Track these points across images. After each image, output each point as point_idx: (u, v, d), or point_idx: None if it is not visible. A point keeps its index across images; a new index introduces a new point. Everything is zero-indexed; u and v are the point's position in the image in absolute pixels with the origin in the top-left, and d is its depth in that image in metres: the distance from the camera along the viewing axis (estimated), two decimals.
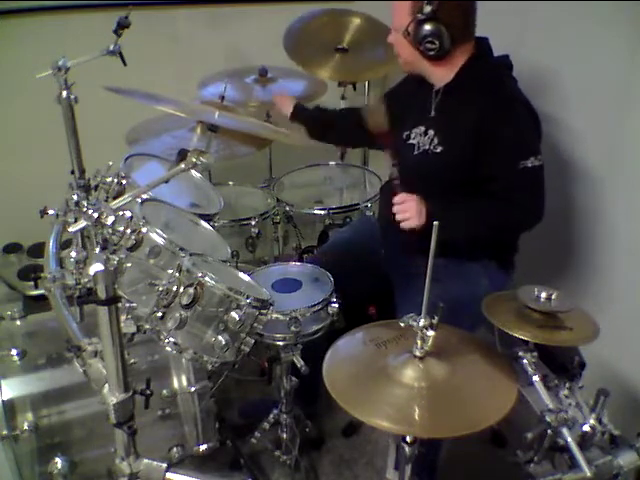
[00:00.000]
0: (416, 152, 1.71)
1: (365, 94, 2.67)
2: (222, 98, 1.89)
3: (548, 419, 1.13)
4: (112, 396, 1.06)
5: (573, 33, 1.89)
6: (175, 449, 1.53)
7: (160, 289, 1.18)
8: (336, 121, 2.10)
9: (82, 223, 1.04)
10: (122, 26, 1.69)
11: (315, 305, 1.53)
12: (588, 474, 1.09)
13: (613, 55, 1.76)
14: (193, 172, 1.76)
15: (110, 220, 1.08)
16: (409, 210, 1.57)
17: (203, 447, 1.57)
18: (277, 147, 2.46)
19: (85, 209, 1.06)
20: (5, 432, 1.33)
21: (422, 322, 1.09)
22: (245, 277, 1.44)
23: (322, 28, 2.38)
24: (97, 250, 1.00)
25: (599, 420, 1.14)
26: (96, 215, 1.05)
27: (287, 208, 2.23)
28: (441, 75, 1.68)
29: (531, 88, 1.72)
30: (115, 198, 1.41)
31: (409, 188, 1.66)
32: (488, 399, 1.09)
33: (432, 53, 1.59)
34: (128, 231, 1.16)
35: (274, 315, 1.47)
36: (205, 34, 2.64)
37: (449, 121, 1.67)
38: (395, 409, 1.03)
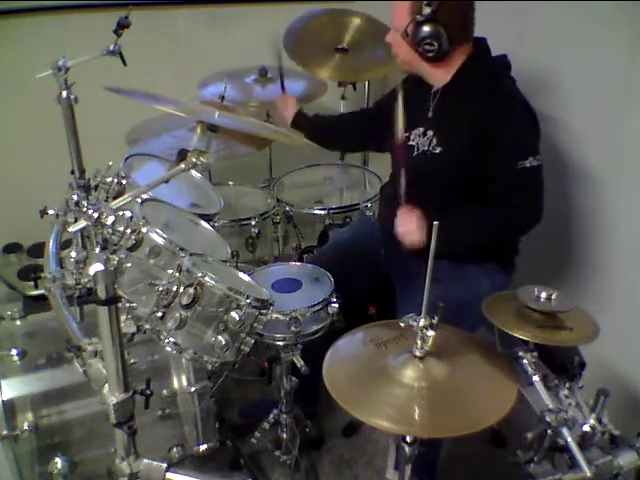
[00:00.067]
0: (415, 153, 1.71)
1: (365, 94, 2.67)
2: (222, 98, 1.89)
3: (548, 419, 1.13)
4: (112, 396, 1.06)
5: (573, 33, 1.89)
6: (175, 449, 1.54)
7: (160, 289, 1.18)
8: (336, 129, 2.10)
9: (82, 223, 1.04)
10: (122, 26, 1.68)
11: (315, 305, 1.53)
12: (588, 474, 1.09)
13: (613, 55, 1.76)
14: (193, 172, 1.76)
15: (110, 220, 1.08)
16: (411, 225, 1.59)
17: (203, 447, 1.57)
18: (277, 147, 2.46)
19: (85, 209, 1.06)
20: (5, 432, 1.32)
21: (422, 322, 1.09)
22: (245, 277, 1.44)
23: (322, 28, 2.38)
24: (97, 250, 1.00)
25: (599, 420, 1.14)
26: (96, 215, 1.05)
27: (287, 208, 2.23)
28: (439, 76, 1.67)
29: (531, 88, 1.72)
30: (115, 198, 1.41)
31: (409, 189, 1.66)
32: (488, 399, 1.09)
33: (431, 54, 1.59)
34: (128, 231, 1.16)
35: (274, 315, 1.47)
36: (205, 34, 2.64)
37: (447, 122, 1.67)
38: (395, 409, 1.03)
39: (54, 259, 1.55)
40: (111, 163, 1.52)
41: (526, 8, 2.03)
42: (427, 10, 1.53)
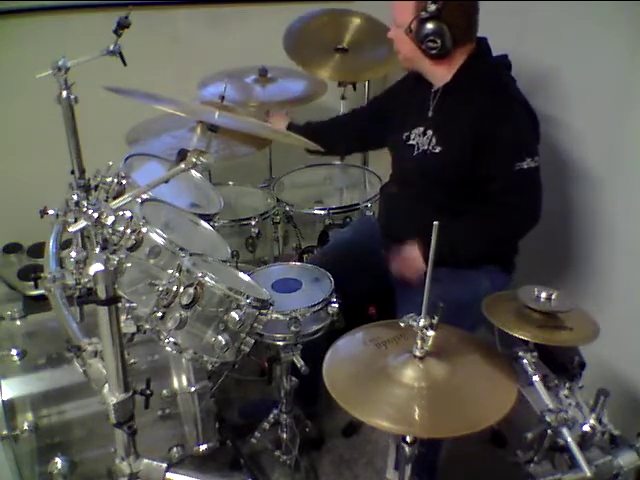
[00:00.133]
0: (415, 153, 1.71)
1: (365, 94, 2.67)
2: (222, 98, 1.88)
3: (548, 419, 1.13)
4: (112, 396, 1.06)
5: (573, 33, 1.89)
6: (175, 449, 1.53)
7: (160, 289, 1.18)
8: (329, 134, 2.07)
9: (82, 223, 1.04)
10: (122, 26, 1.68)
11: (315, 305, 1.53)
12: (588, 474, 1.09)
13: (613, 55, 1.76)
14: (193, 172, 1.76)
15: (110, 220, 1.07)
16: (413, 267, 1.62)
17: (203, 447, 1.57)
18: (277, 147, 2.46)
19: (85, 209, 1.05)
20: (5, 432, 1.33)
21: (422, 322, 1.09)
22: (245, 277, 1.44)
23: (322, 28, 2.38)
24: (97, 250, 1.00)
25: (599, 420, 1.14)
26: (96, 215, 1.05)
27: (287, 208, 2.23)
28: (440, 74, 1.68)
29: (531, 88, 1.72)
30: (115, 198, 1.41)
31: (409, 189, 1.66)
32: (488, 399, 1.09)
33: (433, 52, 1.59)
34: (128, 231, 1.16)
35: (274, 315, 1.47)
36: (205, 34, 2.64)
37: (447, 121, 1.67)
38: (395, 409, 1.03)
39: (54, 259, 1.55)
40: (111, 163, 1.51)
41: (526, 8, 2.03)
42: (432, 7, 1.53)
